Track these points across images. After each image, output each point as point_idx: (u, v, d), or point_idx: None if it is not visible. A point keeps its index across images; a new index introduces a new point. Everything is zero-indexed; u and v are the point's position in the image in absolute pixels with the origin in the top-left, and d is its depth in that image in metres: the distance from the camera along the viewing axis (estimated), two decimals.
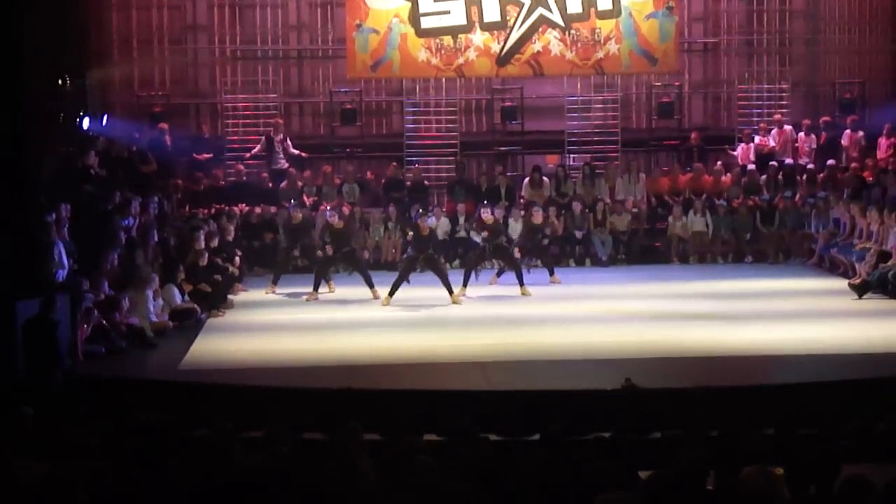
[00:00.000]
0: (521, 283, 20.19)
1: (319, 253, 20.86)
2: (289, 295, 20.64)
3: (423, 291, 19.90)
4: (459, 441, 10.36)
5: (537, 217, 21.78)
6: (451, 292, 19.49)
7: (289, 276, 21.77)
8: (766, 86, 26.69)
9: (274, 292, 20.80)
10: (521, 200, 24.11)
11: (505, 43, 25.51)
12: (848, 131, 25.40)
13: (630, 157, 25.90)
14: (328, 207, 21.73)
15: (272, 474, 8.79)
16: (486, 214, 20.56)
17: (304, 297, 20.18)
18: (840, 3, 27.34)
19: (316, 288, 20.24)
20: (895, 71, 27.07)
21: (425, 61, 25.64)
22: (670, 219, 24.02)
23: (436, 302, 19.38)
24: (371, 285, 20.03)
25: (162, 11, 26.58)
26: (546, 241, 21.99)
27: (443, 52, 25.57)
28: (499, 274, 21.09)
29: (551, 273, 21.25)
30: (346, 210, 22.21)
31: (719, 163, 25.47)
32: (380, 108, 27.28)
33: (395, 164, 25.33)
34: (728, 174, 24.98)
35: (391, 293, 19.42)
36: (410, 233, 20.69)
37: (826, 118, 25.92)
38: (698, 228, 23.87)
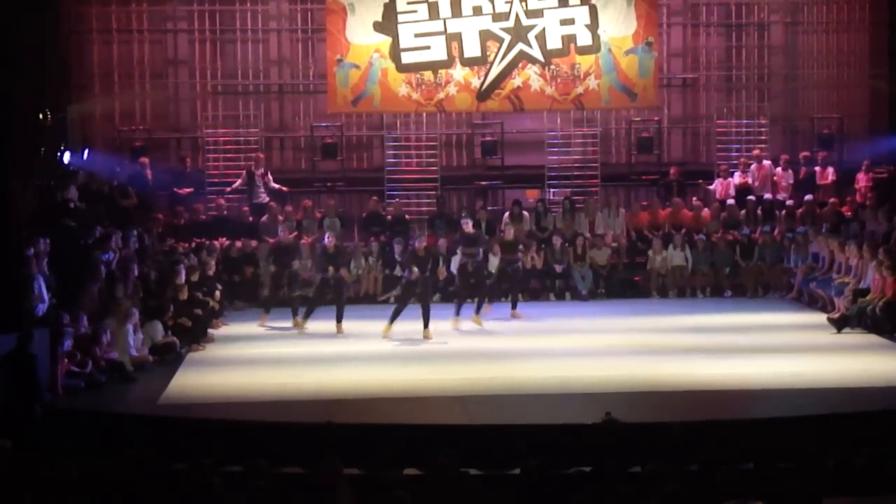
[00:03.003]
0: (477, 311, 20.24)
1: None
2: (269, 329, 20.61)
3: (403, 325, 19.89)
4: (439, 476, 10.33)
5: (508, 234, 21.72)
6: (426, 326, 19.43)
7: (271, 310, 21.83)
8: (744, 121, 26.79)
9: (304, 328, 20.54)
10: (502, 234, 24.08)
11: (485, 78, 25.60)
12: (818, 168, 25.50)
13: (610, 192, 25.96)
14: (325, 233, 21.60)
15: None
16: (467, 226, 20.79)
17: (294, 328, 20.29)
18: (818, 40, 27.48)
19: (306, 317, 20.26)
20: (873, 106, 27.19)
21: (406, 96, 25.71)
22: (650, 253, 24.06)
23: (415, 336, 19.36)
24: (339, 319, 20.06)
25: (143, 46, 26.58)
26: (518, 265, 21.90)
27: (423, 87, 25.64)
28: (458, 311, 20.74)
29: (513, 306, 21.16)
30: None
31: (694, 198, 25.49)
32: (360, 143, 27.30)
33: (375, 198, 25.34)
34: (707, 209, 25.03)
35: (390, 322, 19.53)
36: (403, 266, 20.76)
37: (805, 153, 25.99)
38: (678, 263, 23.90)
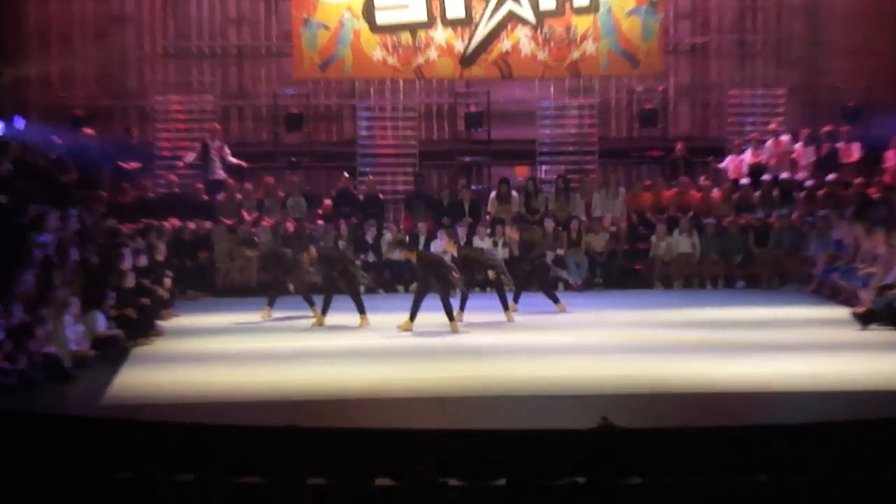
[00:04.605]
0: (462, 308, 20.27)
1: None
2: (227, 321, 20.64)
3: (377, 318, 19.94)
4: (416, 486, 10.36)
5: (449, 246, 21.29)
6: (451, 318, 19.52)
7: (228, 300, 21.86)
8: (760, 91, 26.88)
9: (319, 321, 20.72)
10: (488, 217, 24.13)
11: (470, 41, 25.64)
12: (842, 144, 25.53)
13: (608, 170, 26.04)
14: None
15: None
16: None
17: (312, 320, 20.27)
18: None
19: (325, 311, 20.28)
20: None
21: (381, 61, 25.73)
22: (653, 239, 24.13)
23: (389, 329, 19.41)
24: (362, 311, 20.05)
25: (85, 2, 26.55)
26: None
27: (400, 50, 25.67)
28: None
29: (504, 307, 20.90)
30: (290, 227, 22.17)
31: (702, 178, 25.58)
32: (329, 113, 27.32)
33: (346, 175, 25.33)
34: (717, 189, 25.08)
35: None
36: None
37: (827, 128, 26.03)
38: (684, 250, 23.97)
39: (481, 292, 21.87)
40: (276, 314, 20.79)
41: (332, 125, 27.30)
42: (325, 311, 20.14)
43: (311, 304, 20.38)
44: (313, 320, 20.11)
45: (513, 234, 22.05)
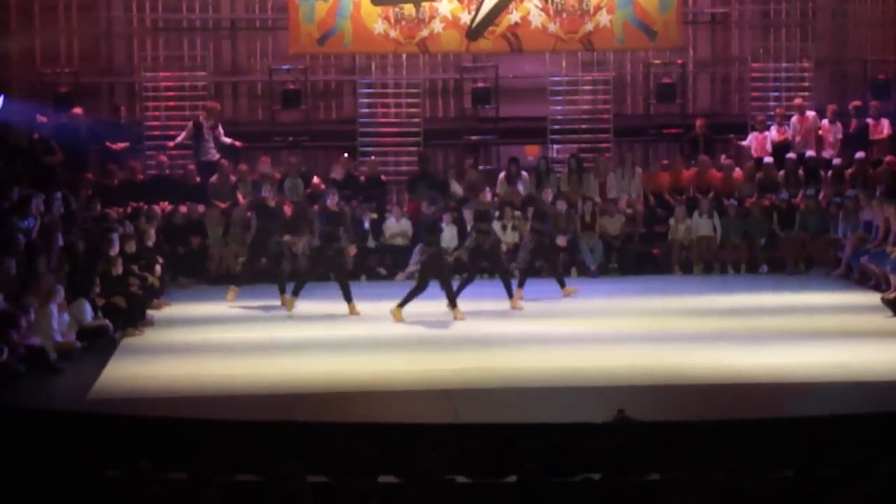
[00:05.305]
0: (458, 292, 20.24)
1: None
2: (220, 310, 20.63)
3: (377, 306, 19.93)
4: (421, 484, 10.36)
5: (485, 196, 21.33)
6: (453, 305, 19.53)
7: (221, 287, 21.84)
8: (784, 64, 26.80)
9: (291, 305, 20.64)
10: (496, 199, 24.09)
11: (476, 13, 25.56)
12: (871, 120, 25.47)
13: (624, 149, 25.99)
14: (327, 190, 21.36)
15: None
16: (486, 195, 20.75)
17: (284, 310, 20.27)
18: None
19: (296, 293, 20.20)
20: None
21: (382, 34, 25.66)
22: (671, 221, 24.10)
23: (389, 318, 19.39)
24: (350, 299, 20.01)
25: None
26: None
27: (403, 22, 25.60)
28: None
29: (509, 294, 20.91)
30: (287, 209, 22.14)
31: (724, 156, 25.54)
32: (328, 90, 27.27)
33: (346, 155, 25.31)
34: (739, 169, 25.05)
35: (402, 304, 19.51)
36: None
37: (856, 103, 25.97)
38: (704, 233, 23.94)
39: (490, 278, 21.82)
40: (267, 302, 20.77)
41: (331, 102, 27.26)
42: (296, 293, 20.18)
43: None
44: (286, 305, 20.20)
45: (547, 194, 21.94)
